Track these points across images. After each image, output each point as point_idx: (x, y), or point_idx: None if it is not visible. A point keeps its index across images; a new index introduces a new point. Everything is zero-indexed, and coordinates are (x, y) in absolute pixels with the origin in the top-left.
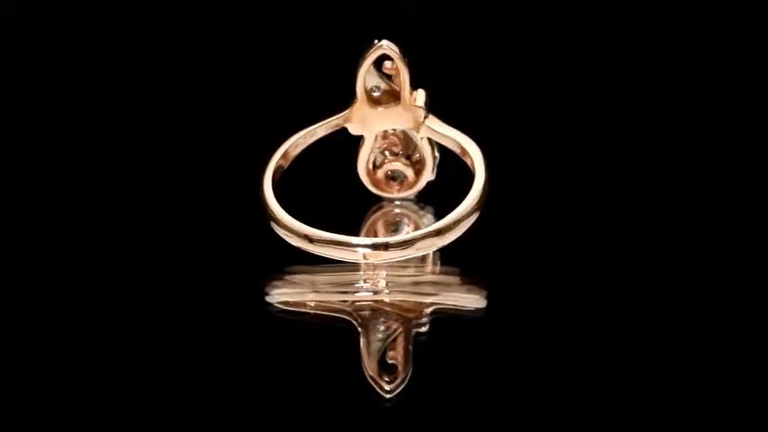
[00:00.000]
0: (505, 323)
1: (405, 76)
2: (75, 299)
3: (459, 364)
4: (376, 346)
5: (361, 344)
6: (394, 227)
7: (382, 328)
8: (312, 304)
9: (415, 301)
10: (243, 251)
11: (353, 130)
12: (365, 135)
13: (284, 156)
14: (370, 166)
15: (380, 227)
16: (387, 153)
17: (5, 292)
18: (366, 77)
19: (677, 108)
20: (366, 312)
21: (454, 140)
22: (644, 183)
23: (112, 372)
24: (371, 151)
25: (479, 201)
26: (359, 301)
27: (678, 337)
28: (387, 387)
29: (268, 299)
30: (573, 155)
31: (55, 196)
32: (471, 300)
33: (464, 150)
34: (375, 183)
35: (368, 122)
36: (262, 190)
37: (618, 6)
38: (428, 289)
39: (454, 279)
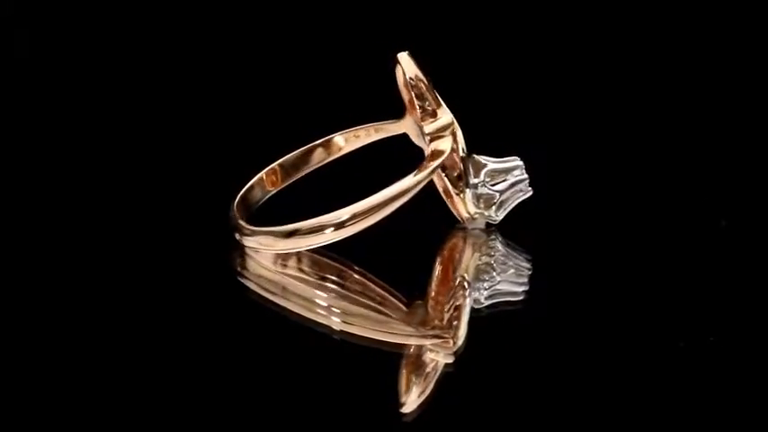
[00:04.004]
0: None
1: (410, 93)
2: (67, 289)
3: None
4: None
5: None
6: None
7: (428, 359)
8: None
9: (385, 341)
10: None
11: (412, 138)
12: (423, 147)
13: (271, 172)
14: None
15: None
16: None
17: None
18: (415, 90)
19: (677, 109)
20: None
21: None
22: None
23: (112, 372)
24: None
25: (435, 167)
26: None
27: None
28: (402, 400)
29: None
30: (566, 166)
31: (54, 195)
32: (441, 351)
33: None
34: (453, 205)
35: (417, 134)
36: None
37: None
38: (395, 330)
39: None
